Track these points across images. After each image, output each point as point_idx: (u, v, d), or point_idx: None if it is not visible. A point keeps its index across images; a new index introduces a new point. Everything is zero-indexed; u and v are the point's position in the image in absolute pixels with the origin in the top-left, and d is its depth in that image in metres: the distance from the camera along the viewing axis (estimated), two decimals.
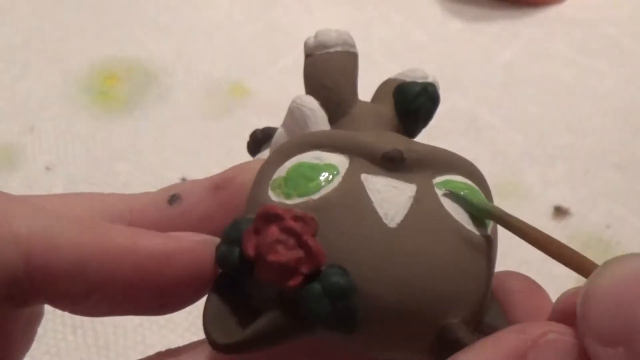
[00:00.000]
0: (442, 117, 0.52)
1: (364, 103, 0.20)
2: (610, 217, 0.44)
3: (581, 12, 0.59)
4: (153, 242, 0.17)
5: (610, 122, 0.50)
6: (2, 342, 0.18)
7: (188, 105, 0.51)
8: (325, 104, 0.19)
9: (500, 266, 0.18)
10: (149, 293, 0.17)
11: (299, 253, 0.15)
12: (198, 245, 0.17)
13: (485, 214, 0.17)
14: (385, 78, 0.59)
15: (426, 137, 0.52)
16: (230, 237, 0.16)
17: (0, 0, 0.59)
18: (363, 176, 0.16)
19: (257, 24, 0.58)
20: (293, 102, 0.19)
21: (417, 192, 0.16)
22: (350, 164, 0.16)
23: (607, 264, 0.14)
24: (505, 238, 0.21)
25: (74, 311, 0.17)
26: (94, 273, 0.16)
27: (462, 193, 0.17)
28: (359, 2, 0.61)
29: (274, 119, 0.52)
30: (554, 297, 0.18)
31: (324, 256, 0.15)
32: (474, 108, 0.51)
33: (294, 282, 0.15)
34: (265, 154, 0.21)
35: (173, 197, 0.19)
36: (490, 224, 0.17)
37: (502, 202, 0.46)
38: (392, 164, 0.16)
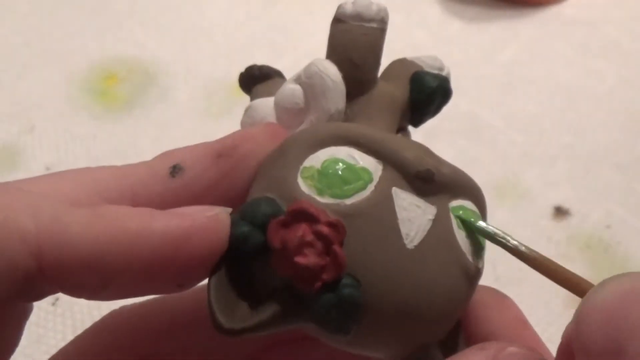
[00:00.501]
0: (443, 117, 0.52)
1: (382, 85, 0.19)
2: (610, 218, 0.44)
3: (581, 12, 0.59)
4: (168, 225, 0.16)
5: (610, 122, 0.50)
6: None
7: (188, 105, 0.51)
8: (347, 78, 0.18)
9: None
10: (166, 275, 0.16)
11: (325, 260, 0.15)
12: (212, 222, 0.16)
13: (494, 241, 0.18)
14: None
15: (426, 137, 0.53)
16: (254, 219, 0.16)
17: (0, 0, 0.59)
18: (394, 190, 0.16)
19: (258, 24, 0.58)
20: (314, 65, 0.18)
21: (436, 215, 0.17)
22: (383, 172, 0.17)
23: (601, 283, 0.14)
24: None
25: (90, 299, 0.17)
26: (109, 264, 0.15)
27: (473, 221, 0.18)
28: None
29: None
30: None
31: (345, 266, 0.15)
32: (474, 108, 0.51)
33: (311, 287, 0.15)
34: (262, 100, 0.20)
35: (175, 169, 0.18)
36: (483, 257, 0.18)
37: (502, 202, 0.46)
38: (422, 184, 0.17)
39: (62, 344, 0.20)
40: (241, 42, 0.56)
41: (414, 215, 0.16)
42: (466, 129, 0.49)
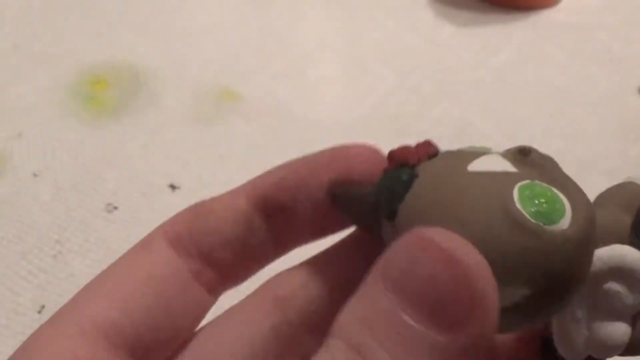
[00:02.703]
0: (434, 122, 0.52)
1: (612, 208, 0.20)
2: None
3: (573, 17, 0.59)
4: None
5: (601, 128, 0.50)
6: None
7: (178, 110, 0.51)
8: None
9: None
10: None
11: (408, 153, 0.18)
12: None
13: None
14: (377, 83, 0.58)
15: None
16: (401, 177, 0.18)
17: None
18: (494, 153, 0.18)
19: (248, 29, 0.58)
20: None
21: (512, 172, 0.17)
22: (505, 153, 0.18)
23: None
24: None
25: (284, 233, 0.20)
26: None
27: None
28: (351, 6, 0.60)
29: (265, 125, 0.52)
30: None
31: (413, 160, 0.18)
32: (465, 113, 0.50)
33: (387, 166, 0.18)
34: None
35: None
36: (553, 229, 0.17)
37: None
38: (518, 152, 0.18)
39: None
40: (232, 46, 0.56)
41: (493, 161, 0.17)
42: (457, 134, 0.49)
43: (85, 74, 0.53)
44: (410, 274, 0.14)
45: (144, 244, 0.20)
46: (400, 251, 0.15)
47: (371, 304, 0.14)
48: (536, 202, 0.16)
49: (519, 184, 0.16)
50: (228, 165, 0.47)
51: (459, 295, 0.14)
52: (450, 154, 0.18)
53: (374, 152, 0.20)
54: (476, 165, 0.17)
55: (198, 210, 0.20)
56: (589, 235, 0.17)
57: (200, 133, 0.49)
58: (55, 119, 0.50)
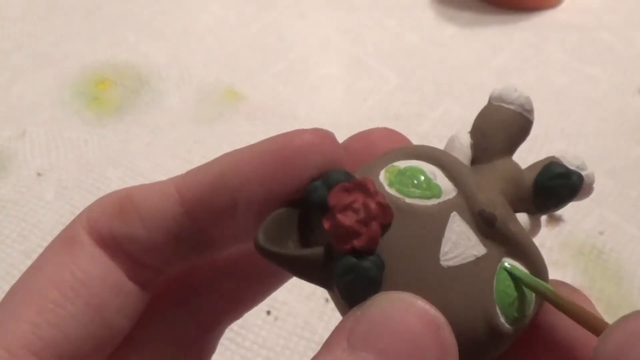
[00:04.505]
0: (436, 123, 0.52)
1: (510, 161, 0.21)
2: (603, 224, 0.44)
3: (575, 18, 0.59)
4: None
5: (603, 128, 0.50)
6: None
7: (180, 110, 0.51)
8: (476, 146, 0.20)
9: None
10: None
11: (361, 228, 0.16)
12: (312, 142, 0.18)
13: (537, 292, 0.18)
14: (379, 83, 0.58)
15: (420, 142, 0.52)
16: (327, 180, 0.18)
17: None
18: (453, 213, 0.17)
19: (251, 29, 0.58)
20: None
21: (483, 256, 0.17)
22: (454, 198, 0.18)
23: (613, 323, 0.15)
24: None
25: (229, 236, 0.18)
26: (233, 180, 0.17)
27: (518, 274, 0.18)
28: (353, 6, 0.60)
29: (267, 124, 0.52)
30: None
31: (376, 243, 0.17)
32: (467, 113, 0.51)
33: (341, 247, 0.16)
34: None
35: None
36: (519, 324, 0.18)
37: None
38: (484, 226, 0.18)
39: None
40: (234, 46, 0.56)
41: (460, 242, 0.17)
42: None
43: (89, 74, 0.53)
44: (382, 326, 0.14)
45: (67, 242, 0.18)
46: (377, 315, 0.15)
47: (334, 355, 0.14)
48: (515, 306, 0.17)
49: (495, 283, 0.17)
50: None
51: (433, 352, 0.14)
52: (407, 224, 0.17)
53: (326, 138, 0.18)
54: (448, 255, 0.17)
55: (123, 205, 0.18)
56: (537, 291, 0.18)
57: (202, 132, 0.49)
58: (59, 118, 0.50)
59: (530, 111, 0.21)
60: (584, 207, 0.45)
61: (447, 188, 0.18)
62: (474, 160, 0.20)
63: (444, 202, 0.18)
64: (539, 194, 0.20)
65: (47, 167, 0.47)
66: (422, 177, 0.18)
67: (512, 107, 0.21)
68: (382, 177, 0.18)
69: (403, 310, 0.15)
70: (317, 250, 0.17)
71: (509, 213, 0.19)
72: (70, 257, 0.18)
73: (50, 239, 0.46)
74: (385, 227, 0.17)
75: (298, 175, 0.17)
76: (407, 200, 0.17)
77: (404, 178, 0.18)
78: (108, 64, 0.54)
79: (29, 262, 0.42)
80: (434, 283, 0.17)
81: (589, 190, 0.20)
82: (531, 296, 0.18)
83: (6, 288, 0.40)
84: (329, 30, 0.58)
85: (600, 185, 0.46)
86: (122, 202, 0.18)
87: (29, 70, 0.54)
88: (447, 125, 0.50)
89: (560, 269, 0.41)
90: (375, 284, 0.16)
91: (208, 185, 0.18)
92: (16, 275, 0.41)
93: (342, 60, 0.55)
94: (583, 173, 0.20)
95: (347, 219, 0.16)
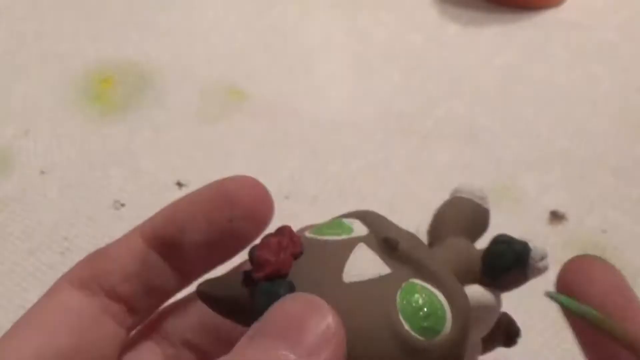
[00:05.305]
0: (439, 122, 0.52)
1: (461, 239, 0.21)
2: (606, 222, 0.44)
3: (578, 16, 0.59)
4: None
5: (606, 126, 0.50)
6: None
7: (184, 108, 0.51)
8: (431, 233, 0.21)
9: None
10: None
11: (272, 258, 0.19)
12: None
13: (581, 316, 0.18)
14: (382, 82, 0.58)
15: (423, 140, 0.52)
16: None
17: None
18: (360, 244, 0.19)
19: (254, 27, 0.58)
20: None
21: (387, 275, 0.18)
22: (365, 235, 0.20)
23: None
24: None
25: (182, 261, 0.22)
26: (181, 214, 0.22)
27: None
28: (356, 5, 0.60)
29: (270, 124, 0.53)
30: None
31: (286, 269, 0.19)
32: (470, 112, 0.51)
33: (257, 275, 0.19)
34: None
35: None
36: (439, 335, 0.18)
37: (498, 206, 0.46)
38: (387, 249, 0.19)
39: None
40: (238, 45, 0.56)
41: (363, 263, 0.19)
42: (462, 133, 0.49)
43: (92, 72, 0.53)
44: (275, 316, 0.17)
45: (49, 293, 0.22)
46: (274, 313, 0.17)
47: (237, 349, 0.16)
48: (420, 314, 0.18)
49: (398, 296, 0.18)
50: (234, 163, 0.47)
51: (318, 326, 0.16)
52: (316, 254, 0.19)
53: (254, 184, 0.22)
54: (350, 273, 0.18)
55: (96, 255, 0.22)
56: (467, 325, 0.18)
57: (206, 131, 0.49)
58: (62, 116, 0.50)
59: (484, 198, 0.22)
60: (587, 205, 0.45)
61: (360, 229, 0.20)
62: (430, 245, 0.21)
63: (354, 237, 0.19)
64: (485, 261, 0.20)
65: (51, 165, 0.47)
66: (338, 223, 0.20)
67: (465, 195, 0.22)
68: (307, 232, 0.20)
69: (290, 300, 0.17)
70: (242, 291, 0.19)
71: (419, 244, 0.20)
72: (52, 302, 0.21)
73: (54, 236, 0.47)
74: (296, 256, 0.19)
75: (228, 210, 0.21)
76: (319, 237, 0.20)
77: (322, 227, 0.20)
78: (112, 63, 0.54)
79: (32, 260, 0.42)
80: (337, 294, 0.18)
81: (540, 261, 0.20)
82: (443, 311, 0.18)
83: (10, 286, 0.41)
84: (333, 29, 0.58)
85: (603, 183, 0.46)
86: (95, 252, 0.22)
87: (33, 68, 0.54)
88: (451, 123, 0.50)
89: None
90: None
91: (162, 222, 0.22)
92: (20, 272, 0.41)
93: (346, 60, 0.55)
94: (530, 244, 0.20)
95: (262, 252, 0.19)
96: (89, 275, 0.21)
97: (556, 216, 0.44)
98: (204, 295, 0.20)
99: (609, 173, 0.47)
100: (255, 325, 0.17)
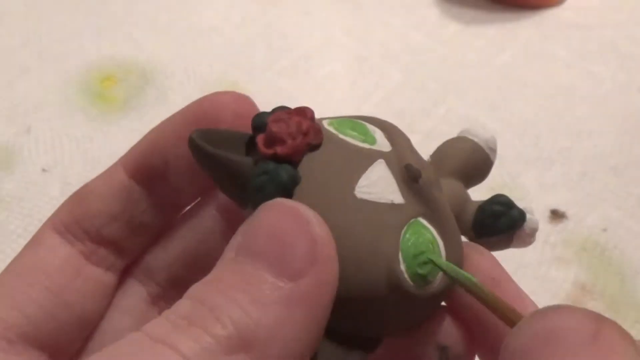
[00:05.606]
0: (439, 120, 0.52)
1: (457, 183, 0.21)
2: (606, 221, 0.44)
3: (579, 15, 0.59)
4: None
5: (607, 125, 0.50)
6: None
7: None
8: (432, 163, 0.21)
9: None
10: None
11: (287, 138, 0.17)
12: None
13: (455, 280, 0.17)
14: (382, 80, 0.58)
15: (425, 139, 0.52)
16: (273, 111, 0.18)
17: None
18: (380, 160, 0.18)
19: (255, 26, 0.58)
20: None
21: (399, 205, 0.17)
22: (388, 152, 0.18)
23: (525, 319, 0.14)
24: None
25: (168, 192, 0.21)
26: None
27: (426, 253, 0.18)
28: (357, 4, 0.61)
29: None
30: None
31: (298, 156, 0.17)
32: (470, 110, 0.51)
33: (265, 151, 0.17)
34: None
35: None
36: (430, 284, 0.17)
37: None
38: (407, 178, 0.18)
39: None
40: (239, 43, 0.56)
41: (379, 183, 0.17)
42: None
43: (94, 71, 0.53)
44: (258, 230, 0.15)
45: (34, 240, 0.21)
46: (256, 219, 0.15)
47: (219, 267, 0.15)
48: (419, 259, 0.17)
49: (404, 232, 0.17)
50: None
51: (301, 246, 0.15)
52: (333, 153, 0.18)
53: (238, 98, 0.20)
54: (363, 189, 0.17)
55: (79, 195, 0.21)
56: (453, 285, 0.18)
57: None
58: (64, 115, 0.50)
59: (492, 149, 0.21)
60: (587, 203, 0.45)
61: (383, 143, 0.18)
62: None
63: (376, 150, 0.18)
64: (479, 216, 0.20)
65: (52, 164, 0.47)
66: (361, 126, 0.19)
67: (475, 139, 0.21)
68: (325, 122, 0.19)
69: (274, 212, 0.15)
70: (245, 160, 0.17)
71: (436, 181, 0.19)
72: (33, 252, 0.20)
73: None
74: (312, 148, 0.17)
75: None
76: (341, 136, 0.18)
77: (344, 122, 0.19)
78: (113, 61, 0.54)
79: None
80: (342, 208, 0.17)
81: (529, 234, 0.20)
82: (439, 264, 0.17)
83: None
84: (333, 27, 0.58)
85: (603, 182, 0.46)
86: (78, 191, 0.21)
87: (34, 67, 0.54)
88: (451, 122, 0.50)
89: (563, 266, 0.41)
90: (284, 191, 0.17)
91: (143, 151, 0.21)
92: None
93: (346, 58, 0.55)
94: (528, 214, 0.20)
95: (277, 127, 0.17)
96: (73, 220, 0.20)
97: (556, 215, 0.44)
98: (196, 147, 0.18)
99: (609, 172, 0.47)
100: (238, 240, 0.15)
